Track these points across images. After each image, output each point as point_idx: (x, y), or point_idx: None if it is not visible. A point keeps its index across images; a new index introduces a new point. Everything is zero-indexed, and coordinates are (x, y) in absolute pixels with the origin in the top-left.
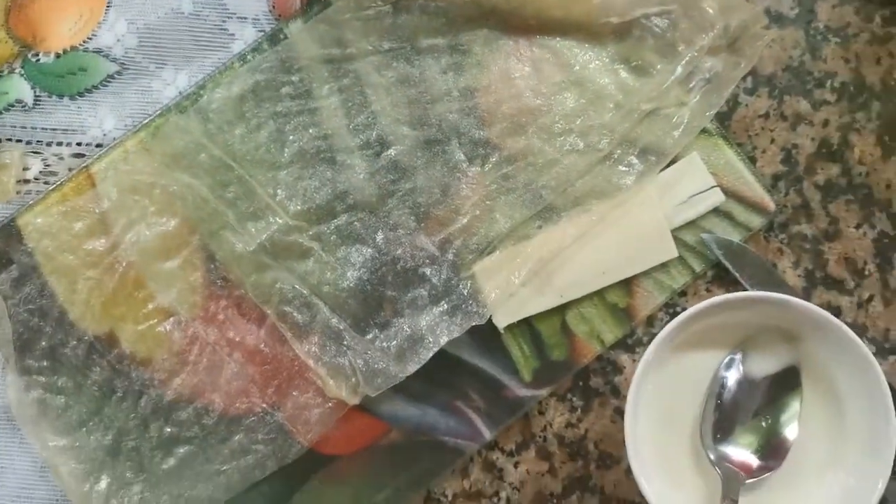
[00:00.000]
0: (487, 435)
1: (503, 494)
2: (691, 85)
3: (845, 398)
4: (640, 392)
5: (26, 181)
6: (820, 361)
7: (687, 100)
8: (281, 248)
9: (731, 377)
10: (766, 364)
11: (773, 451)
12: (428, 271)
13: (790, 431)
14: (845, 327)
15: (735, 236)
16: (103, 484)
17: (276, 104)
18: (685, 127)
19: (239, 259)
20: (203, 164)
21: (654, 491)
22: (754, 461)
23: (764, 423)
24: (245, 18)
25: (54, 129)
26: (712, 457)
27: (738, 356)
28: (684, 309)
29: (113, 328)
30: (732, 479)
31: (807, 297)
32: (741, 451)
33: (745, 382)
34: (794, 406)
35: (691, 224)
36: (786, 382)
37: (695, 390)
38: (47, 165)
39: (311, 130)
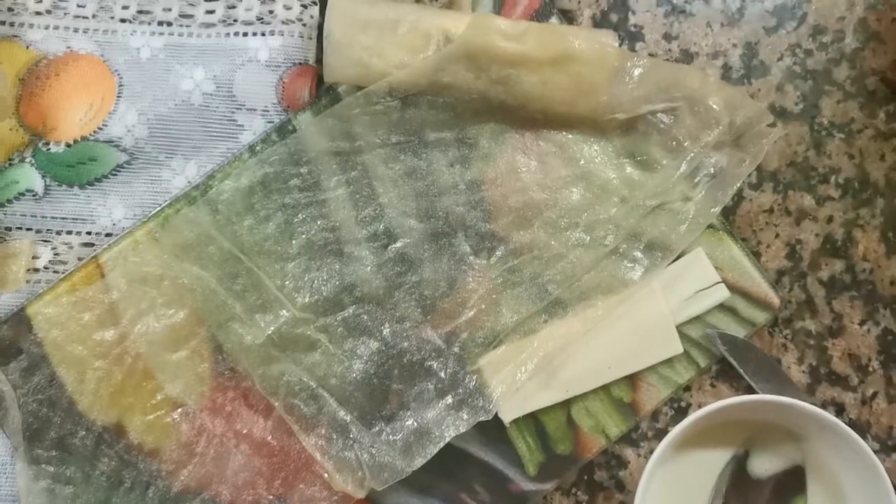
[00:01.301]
0: None
1: None
2: (696, 180)
3: (850, 499)
4: (647, 494)
5: (36, 270)
6: (825, 462)
7: (692, 195)
8: (289, 341)
9: (737, 476)
10: (770, 463)
11: None
12: (434, 364)
13: None
14: (850, 430)
15: (740, 332)
16: None
17: (284, 196)
18: (690, 222)
19: (247, 351)
20: (212, 256)
21: None
22: None
23: None
24: (254, 110)
25: (64, 219)
26: None
27: (743, 454)
28: (689, 404)
29: (121, 419)
30: None
31: (811, 393)
32: None
33: (750, 481)
34: None
35: (696, 319)
36: (791, 482)
37: (700, 489)
38: (57, 254)
39: (319, 222)
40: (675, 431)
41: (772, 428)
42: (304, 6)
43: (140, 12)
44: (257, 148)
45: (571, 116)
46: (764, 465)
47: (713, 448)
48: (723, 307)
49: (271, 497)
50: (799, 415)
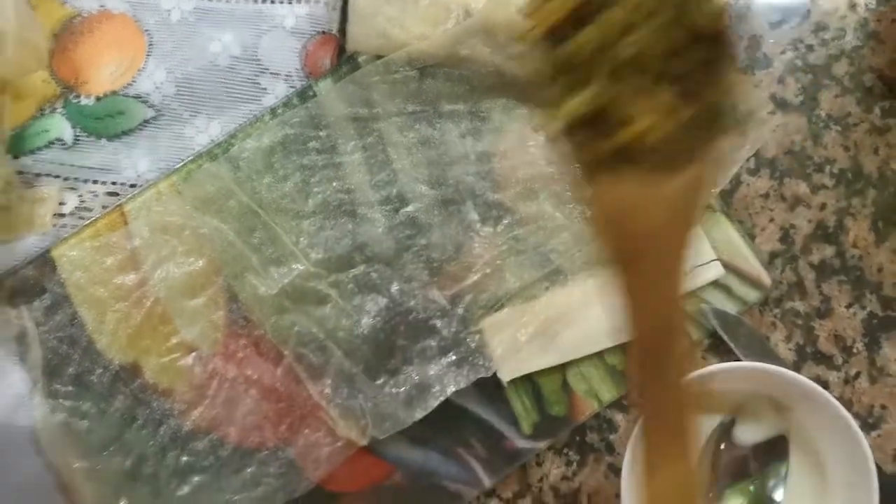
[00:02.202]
0: (487, 482)
1: None
2: None
3: (830, 469)
4: (636, 454)
5: (62, 215)
6: (807, 431)
7: None
8: (301, 294)
9: (723, 442)
10: (755, 432)
11: None
12: (438, 323)
13: (777, 497)
14: (834, 400)
15: (731, 308)
16: None
17: (303, 157)
18: None
19: (260, 301)
20: (231, 209)
21: None
22: None
23: (752, 488)
24: (277, 74)
25: (91, 168)
26: None
27: (731, 422)
28: None
29: (137, 359)
30: None
31: (796, 371)
32: None
33: (736, 448)
34: (781, 474)
35: (690, 295)
36: (774, 450)
37: None
38: (83, 202)
39: (334, 184)
40: None
41: (758, 398)
42: None
43: None
44: (279, 111)
45: None
46: (749, 434)
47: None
48: (716, 284)
49: (277, 440)
50: (785, 384)
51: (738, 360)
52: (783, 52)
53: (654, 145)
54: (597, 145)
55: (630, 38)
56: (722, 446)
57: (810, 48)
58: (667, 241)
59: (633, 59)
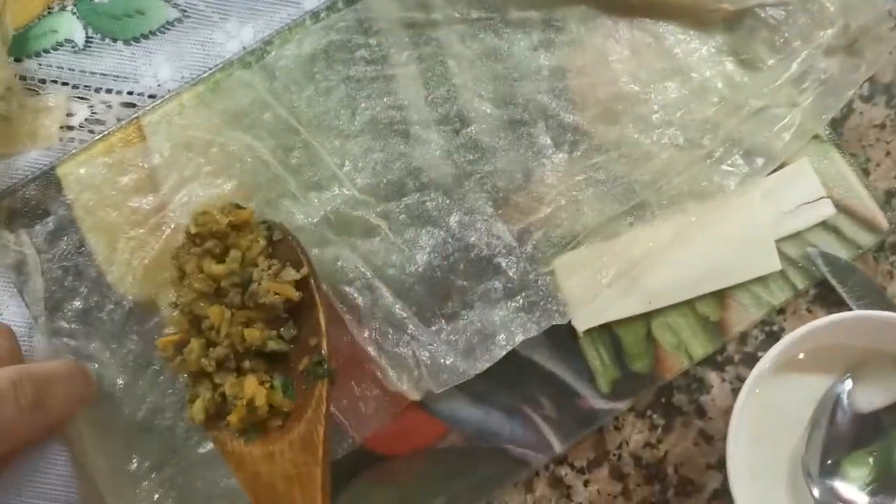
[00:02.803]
0: (557, 447)
1: None
2: (805, 85)
3: None
4: (742, 418)
5: (70, 128)
6: None
7: (799, 101)
8: (345, 224)
9: (839, 406)
10: (875, 394)
11: (884, 487)
12: (504, 262)
13: None
14: None
15: (843, 253)
16: (134, 464)
17: (349, 67)
18: (796, 130)
19: (298, 231)
20: (266, 124)
21: None
22: (863, 499)
23: (871, 459)
24: None
25: (104, 75)
26: (817, 493)
27: (847, 384)
28: (781, 329)
29: (154, 295)
30: None
31: None
32: (848, 487)
33: (854, 413)
34: None
35: (795, 236)
36: None
37: (796, 417)
38: (94, 113)
39: (385, 99)
40: (779, 347)
41: (878, 355)
42: None
43: None
44: (322, 15)
45: (672, 3)
46: (868, 396)
47: (812, 375)
48: (825, 226)
49: None
50: None
51: (851, 311)
52: None
53: (265, 413)
54: (228, 424)
55: (221, 336)
56: (837, 411)
57: None
58: (295, 486)
59: (231, 353)
